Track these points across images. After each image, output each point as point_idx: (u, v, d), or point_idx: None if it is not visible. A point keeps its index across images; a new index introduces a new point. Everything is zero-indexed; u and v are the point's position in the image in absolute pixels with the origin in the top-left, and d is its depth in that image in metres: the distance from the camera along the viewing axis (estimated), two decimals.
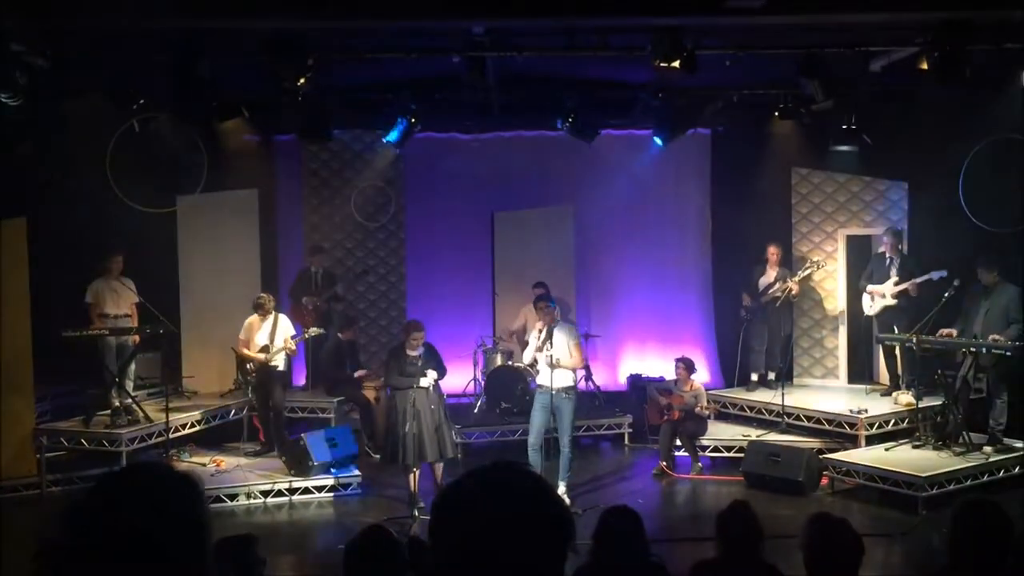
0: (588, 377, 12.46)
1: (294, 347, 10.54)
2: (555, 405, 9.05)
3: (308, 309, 11.91)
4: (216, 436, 10.98)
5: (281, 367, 10.45)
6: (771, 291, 11.67)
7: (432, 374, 8.87)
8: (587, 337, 12.73)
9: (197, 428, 10.80)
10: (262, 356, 10.23)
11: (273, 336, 10.30)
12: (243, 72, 10.11)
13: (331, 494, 9.68)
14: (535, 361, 9.25)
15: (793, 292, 11.61)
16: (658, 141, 11.85)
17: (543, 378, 9.15)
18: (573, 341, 9.22)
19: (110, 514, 1.78)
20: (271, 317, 10.36)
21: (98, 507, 1.80)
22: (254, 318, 10.37)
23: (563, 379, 9.01)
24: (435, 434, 8.86)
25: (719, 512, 4.61)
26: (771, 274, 11.81)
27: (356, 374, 11.53)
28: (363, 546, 4.25)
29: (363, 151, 12.99)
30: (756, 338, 11.91)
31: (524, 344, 10.19)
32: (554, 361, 8.92)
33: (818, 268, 11.79)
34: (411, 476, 8.93)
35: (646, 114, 11.78)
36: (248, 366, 10.32)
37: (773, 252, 11.80)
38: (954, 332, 9.77)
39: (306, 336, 10.66)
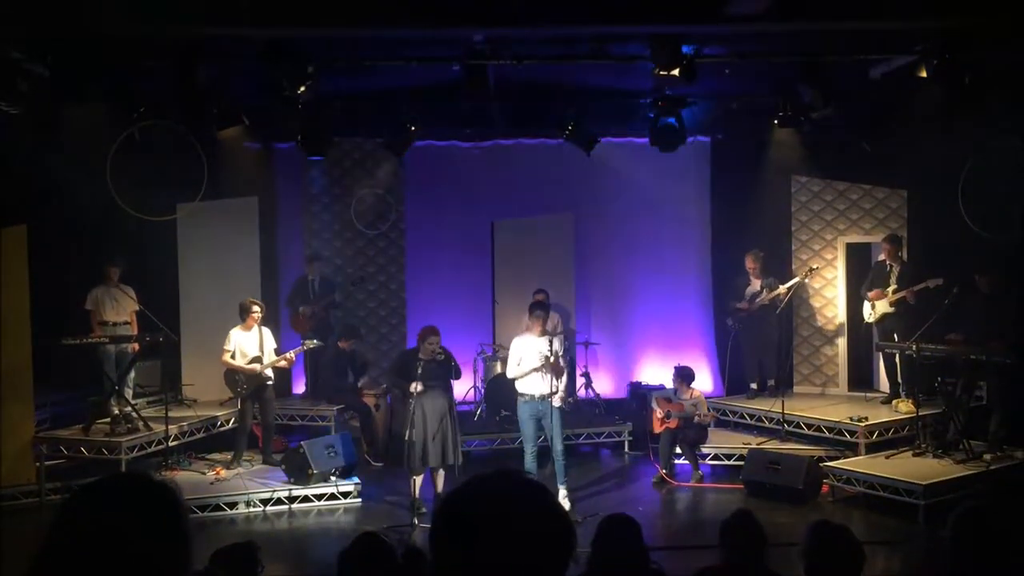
0: (588, 385, 12.47)
1: (293, 358, 10.50)
2: (543, 412, 9.05)
3: (306, 317, 11.91)
4: (216, 444, 10.97)
5: (272, 379, 10.42)
6: (758, 300, 11.68)
7: (417, 386, 8.84)
8: (587, 345, 12.75)
9: (197, 436, 10.79)
10: (256, 367, 10.17)
11: (262, 347, 10.27)
12: (243, 80, 10.13)
13: (331, 502, 9.67)
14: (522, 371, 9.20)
15: (781, 295, 11.58)
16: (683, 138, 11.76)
17: (527, 387, 9.14)
18: (560, 352, 9.28)
19: (89, 524, 1.79)
20: (255, 328, 10.28)
21: (78, 517, 1.81)
22: (236, 330, 10.23)
23: (548, 386, 9.01)
24: (440, 440, 8.88)
25: (723, 520, 4.61)
26: (756, 283, 11.82)
27: (360, 384, 11.52)
28: (356, 553, 4.26)
29: (363, 159, 13.01)
30: (748, 347, 11.93)
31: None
32: (554, 359, 8.93)
33: (807, 274, 11.77)
34: (414, 481, 8.95)
35: (646, 122, 11.79)
36: (238, 377, 10.22)
37: (750, 263, 11.80)
38: (960, 338, 9.75)
39: (304, 348, 10.63)
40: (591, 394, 12.36)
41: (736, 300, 11.89)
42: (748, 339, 11.91)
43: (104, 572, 1.77)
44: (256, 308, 10.27)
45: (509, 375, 9.50)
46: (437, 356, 8.95)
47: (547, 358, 8.99)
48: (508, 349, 12.35)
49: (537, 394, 9.05)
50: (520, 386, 9.26)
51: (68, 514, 1.83)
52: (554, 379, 9.05)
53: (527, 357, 9.11)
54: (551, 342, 9.06)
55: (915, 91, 9.64)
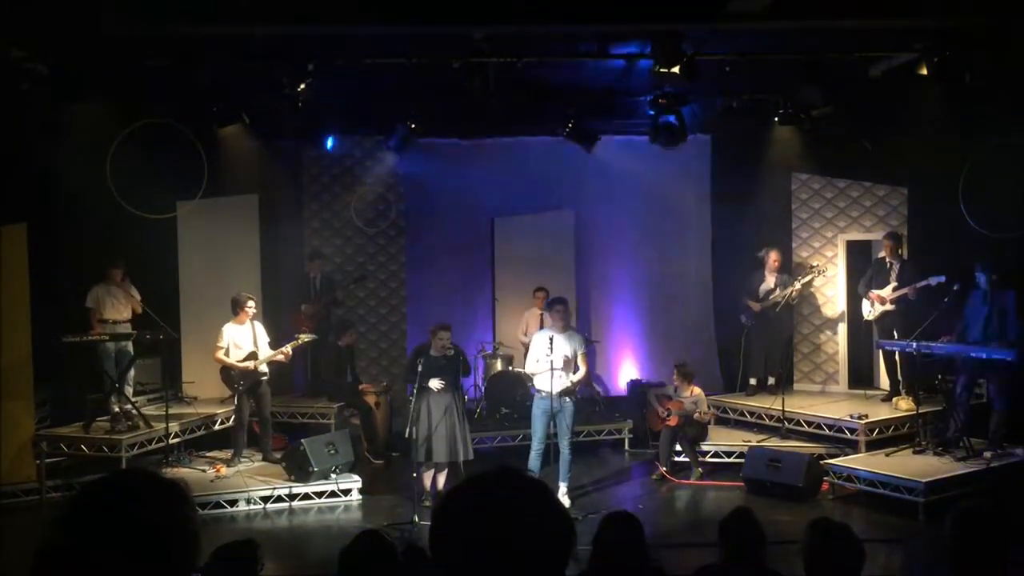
0: (588, 382, 12.46)
1: (289, 352, 10.49)
2: (556, 409, 9.05)
3: (308, 316, 11.90)
4: (216, 442, 10.97)
5: (267, 374, 10.43)
6: (772, 297, 11.70)
7: (436, 382, 8.87)
8: (588, 342, 12.74)
9: (197, 434, 10.80)
10: (251, 365, 10.16)
11: (256, 341, 10.25)
12: (243, 78, 10.12)
13: (331, 500, 9.67)
14: (540, 368, 9.20)
15: (793, 296, 11.64)
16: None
17: (543, 383, 9.15)
18: (581, 350, 9.26)
19: (98, 518, 1.80)
20: (248, 322, 10.27)
21: (86, 512, 1.82)
22: (230, 325, 10.21)
23: (563, 383, 9.02)
24: (447, 435, 8.89)
25: (722, 518, 4.61)
26: (771, 280, 11.83)
27: (360, 387, 11.52)
28: (357, 551, 4.26)
29: (363, 157, 13.00)
30: (758, 343, 11.93)
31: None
32: (558, 365, 8.94)
33: (819, 274, 11.79)
34: (424, 476, 8.97)
35: (646, 120, 11.78)
36: (233, 374, 10.18)
37: (774, 259, 11.81)
38: (952, 338, 9.77)
39: (300, 342, 10.61)
40: (591, 392, 12.35)
41: (750, 297, 11.88)
42: (759, 335, 11.90)
43: (113, 569, 1.77)
44: (250, 302, 10.26)
45: (526, 370, 9.64)
46: (447, 352, 8.98)
47: (546, 356, 9.00)
48: (508, 347, 12.51)
49: (548, 390, 9.04)
50: (535, 382, 9.32)
51: (76, 510, 1.83)
52: (566, 376, 9.05)
53: (542, 353, 9.12)
54: (551, 340, 9.05)
55: (916, 89, 9.64)
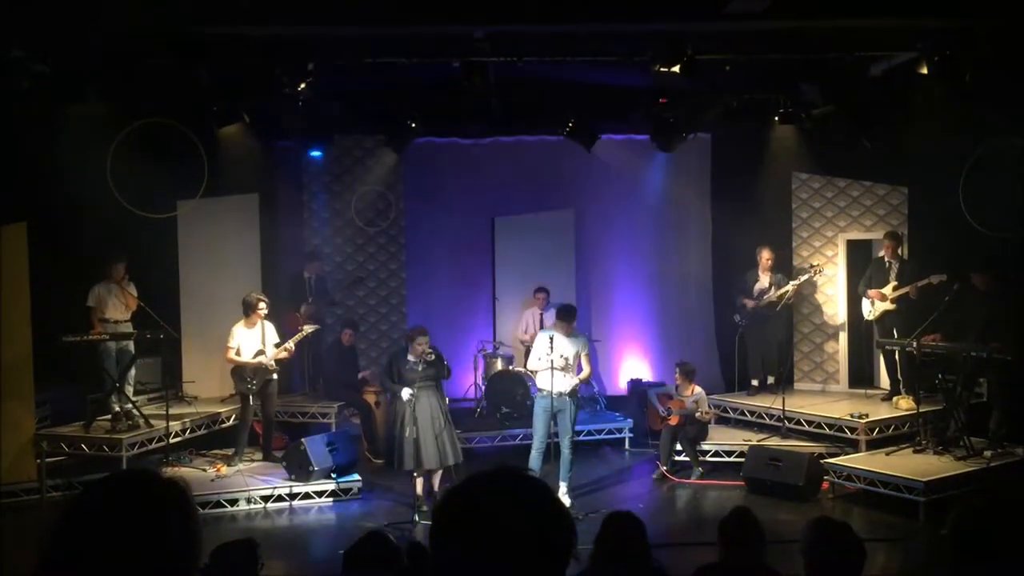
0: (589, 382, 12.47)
1: (292, 348, 10.48)
2: (557, 408, 9.05)
3: (303, 317, 11.89)
4: (217, 441, 10.97)
5: (277, 372, 10.43)
6: (767, 296, 11.69)
7: (407, 391, 8.73)
8: (590, 342, 12.73)
9: (198, 433, 10.80)
10: (262, 360, 10.16)
11: (264, 342, 10.24)
12: (244, 78, 10.12)
13: (332, 499, 9.67)
14: (542, 366, 9.20)
15: (789, 295, 11.62)
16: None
17: (543, 382, 9.15)
18: (584, 352, 9.26)
19: (98, 519, 1.80)
20: (259, 324, 10.27)
21: (87, 513, 1.82)
22: (240, 326, 10.22)
23: (564, 383, 9.02)
24: (435, 440, 8.81)
25: (722, 518, 4.61)
26: (764, 279, 11.82)
27: (360, 375, 11.53)
28: (362, 551, 4.26)
29: (363, 156, 13.00)
30: (752, 343, 11.93)
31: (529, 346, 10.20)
32: (558, 363, 8.94)
33: (816, 273, 11.78)
34: (416, 481, 8.92)
35: (646, 119, 11.79)
36: (246, 374, 10.14)
37: (766, 257, 11.80)
38: (938, 336, 9.79)
39: (303, 335, 10.59)
40: (591, 391, 12.34)
41: (744, 295, 11.88)
42: (754, 335, 11.91)
43: (113, 571, 1.77)
44: (262, 304, 10.26)
45: (528, 367, 9.66)
46: (427, 357, 8.80)
47: (547, 354, 9.00)
48: (508, 346, 12.51)
49: (549, 389, 9.03)
50: (536, 380, 9.33)
51: (76, 512, 1.83)
52: (566, 377, 9.04)
53: (543, 352, 9.12)
54: (551, 340, 9.04)
55: (916, 88, 9.63)
